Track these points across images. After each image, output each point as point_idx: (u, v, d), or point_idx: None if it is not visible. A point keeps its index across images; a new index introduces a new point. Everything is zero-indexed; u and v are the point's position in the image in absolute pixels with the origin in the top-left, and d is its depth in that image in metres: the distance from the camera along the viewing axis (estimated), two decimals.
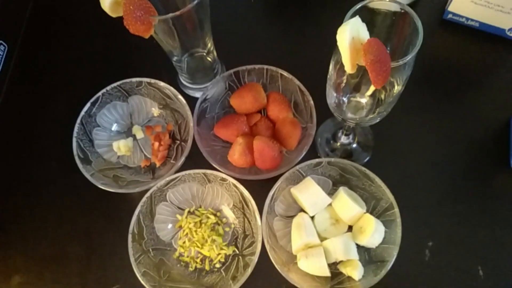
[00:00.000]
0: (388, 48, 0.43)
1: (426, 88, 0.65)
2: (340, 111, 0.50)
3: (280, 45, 0.70)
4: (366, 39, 0.36)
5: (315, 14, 0.72)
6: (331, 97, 0.49)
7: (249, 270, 0.50)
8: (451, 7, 0.65)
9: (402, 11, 0.40)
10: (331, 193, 0.57)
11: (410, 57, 0.38)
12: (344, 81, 0.45)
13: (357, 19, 0.36)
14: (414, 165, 0.60)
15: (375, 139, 0.62)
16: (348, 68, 0.37)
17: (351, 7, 0.40)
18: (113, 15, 0.47)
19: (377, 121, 0.50)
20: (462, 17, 0.66)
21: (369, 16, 0.40)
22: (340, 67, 0.41)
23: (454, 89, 0.64)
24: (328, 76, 0.46)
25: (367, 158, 0.61)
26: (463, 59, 0.66)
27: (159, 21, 0.48)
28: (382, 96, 0.47)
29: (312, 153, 0.62)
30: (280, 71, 0.60)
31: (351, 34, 0.35)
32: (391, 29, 0.42)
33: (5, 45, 0.71)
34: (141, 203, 0.54)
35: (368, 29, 0.39)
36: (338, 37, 0.36)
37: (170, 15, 0.47)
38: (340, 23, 0.39)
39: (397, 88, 0.44)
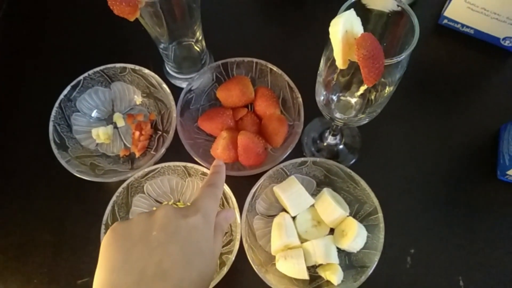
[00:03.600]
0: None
1: (417, 93, 0.64)
2: (328, 109, 0.49)
3: (271, 39, 0.68)
4: (360, 33, 0.35)
5: (310, 10, 0.70)
6: (320, 94, 0.47)
7: (225, 269, 0.48)
8: (447, 12, 0.64)
9: (399, 8, 0.39)
10: (314, 194, 0.56)
11: (404, 55, 0.36)
12: (335, 78, 0.43)
13: (351, 12, 0.34)
14: (400, 170, 0.59)
15: (362, 141, 0.60)
16: (340, 64, 0.35)
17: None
18: None
19: (366, 122, 0.48)
20: (458, 23, 0.65)
21: (363, 13, 0.38)
22: (332, 63, 0.39)
23: (445, 95, 0.63)
24: (318, 72, 0.45)
25: (353, 160, 0.59)
26: (455, 66, 0.65)
27: (145, 3, 0.46)
28: (373, 97, 0.45)
29: (298, 152, 0.60)
30: (270, 65, 0.58)
31: (344, 27, 0.34)
32: (386, 27, 0.40)
33: None
34: (116, 194, 0.52)
35: (362, 26, 0.37)
36: (331, 29, 0.34)
37: None
38: None
39: (389, 89, 0.43)
